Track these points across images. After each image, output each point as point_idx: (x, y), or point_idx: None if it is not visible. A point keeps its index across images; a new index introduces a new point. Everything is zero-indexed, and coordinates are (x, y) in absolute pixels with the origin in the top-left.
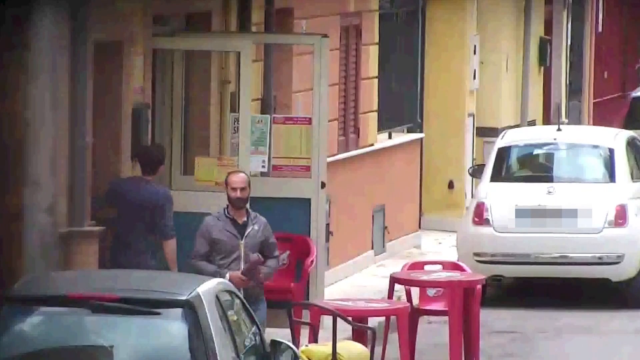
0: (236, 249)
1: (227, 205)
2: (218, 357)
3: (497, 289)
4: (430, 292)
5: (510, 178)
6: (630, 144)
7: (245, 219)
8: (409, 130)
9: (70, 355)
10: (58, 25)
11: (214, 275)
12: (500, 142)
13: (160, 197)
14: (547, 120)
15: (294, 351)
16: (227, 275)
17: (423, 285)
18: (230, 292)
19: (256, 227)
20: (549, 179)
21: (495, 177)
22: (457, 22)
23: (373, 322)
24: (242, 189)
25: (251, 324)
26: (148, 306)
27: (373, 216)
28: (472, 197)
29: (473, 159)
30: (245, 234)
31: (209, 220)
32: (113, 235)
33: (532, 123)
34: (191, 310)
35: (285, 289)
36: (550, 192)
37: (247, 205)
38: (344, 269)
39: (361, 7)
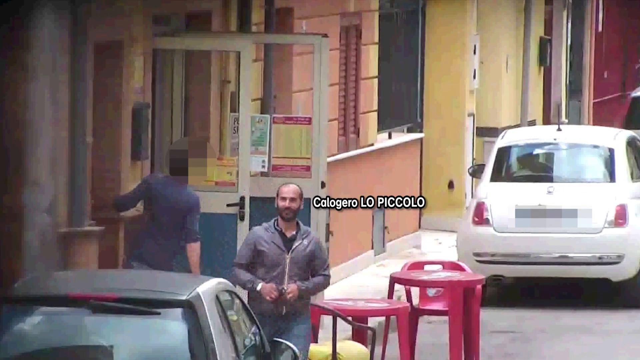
0: (281, 262)
1: (277, 217)
2: (218, 357)
3: (497, 289)
4: (430, 292)
5: (510, 178)
6: (630, 144)
7: (294, 232)
8: (409, 130)
9: (70, 355)
10: (58, 25)
11: (246, 284)
12: (500, 142)
13: (194, 202)
14: (547, 120)
15: (294, 351)
16: (260, 286)
17: (423, 285)
18: (230, 292)
19: (305, 242)
20: (549, 178)
21: (495, 177)
22: (457, 22)
23: (373, 322)
24: (292, 199)
25: (251, 324)
26: (148, 306)
27: (373, 216)
28: (472, 197)
29: (473, 159)
30: (292, 248)
31: (257, 230)
32: (142, 229)
33: (532, 123)
34: (191, 310)
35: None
36: (550, 192)
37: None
38: (344, 269)
39: (361, 7)
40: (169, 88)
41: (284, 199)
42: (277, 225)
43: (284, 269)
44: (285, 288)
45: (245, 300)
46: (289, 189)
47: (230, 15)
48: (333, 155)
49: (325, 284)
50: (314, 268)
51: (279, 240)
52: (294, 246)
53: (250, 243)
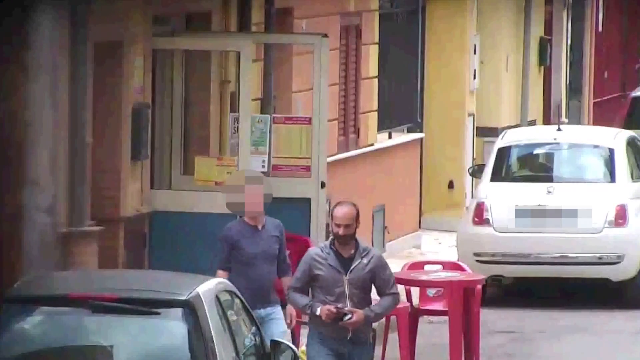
0: (339, 284)
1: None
2: (218, 357)
3: (497, 289)
4: (430, 292)
5: (510, 178)
6: (630, 144)
7: (352, 252)
8: (409, 130)
9: (70, 355)
10: (58, 25)
11: (304, 309)
12: (500, 142)
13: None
14: (547, 120)
15: (293, 351)
16: (319, 310)
17: (423, 285)
18: (230, 292)
19: (364, 261)
20: (549, 178)
21: (495, 177)
22: (457, 22)
23: None
24: (347, 227)
25: (251, 324)
26: (148, 306)
27: (373, 216)
28: (472, 197)
29: (473, 159)
30: (351, 269)
31: (312, 253)
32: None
33: (532, 123)
34: (191, 310)
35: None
36: (550, 192)
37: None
38: None
39: (361, 7)
40: (169, 88)
41: (338, 225)
42: (334, 245)
43: (343, 291)
44: (346, 308)
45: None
46: (343, 214)
47: (230, 15)
48: (333, 155)
49: (395, 303)
50: (379, 288)
51: (334, 262)
52: (352, 266)
53: (305, 266)
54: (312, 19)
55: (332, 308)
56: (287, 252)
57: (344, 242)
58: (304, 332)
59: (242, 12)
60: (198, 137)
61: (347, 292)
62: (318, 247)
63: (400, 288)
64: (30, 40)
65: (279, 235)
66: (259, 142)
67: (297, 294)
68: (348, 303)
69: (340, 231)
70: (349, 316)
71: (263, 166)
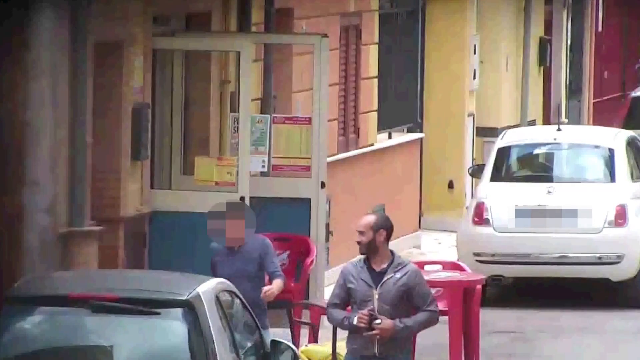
0: (369, 299)
1: None
2: (218, 357)
3: (497, 289)
4: None
5: (510, 178)
6: (630, 144)
7: (384, 265)
8: (409, 130)
9: (70, 355)
10: (58, 25)
11: (342, 322)
12: (500, 142)
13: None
14: (547, 120)
15: (293, 351)
16: (355, 319)
17: None
18: (230, 292)
19: (397, 275)
20: (549, 178)
21: (495, 177)
22: (457, 22)
23: None
24: (361, 233)
25: (251, 324)
26: (148, 306)
27: None
28: (472, 197)
29: (473, 159)
30: (381, 283)
31: (347, 267)
32: None
33: (532, 123)
34: (191, 310)
35: (285, 289)
36: (550, 192)
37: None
38: None
39: (361, 7)
40: (169, 88)
41: (358, 232)
42: (367, 258)
43: (374, 307)
44: (378, 317)
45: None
46: (360, 221)
47: (230, 15)
48: (333, 155)
49: (432, 320)
50: (415, 305)
51: (366, 276)
52: (383, 280)
53: (341, 280)
54: (312, 19)
55: (365, 311)
56: (281, 262)
57: (361, 252)
58: (304, 332)
59: (242, 12)
60: (198, 137)
61: (376, 307)
62: (354, 261)
63: None
64: (31, 41)
65: (258, 255)
66: (259, 142)
67: (334, 310)
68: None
69: (357, 238)
70: (379, 321)
71: (263, 166)
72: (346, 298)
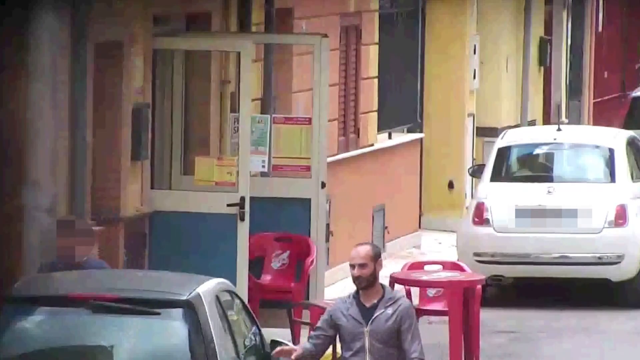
0: (359, 337)
1: None
2: (218, 357)
3: (497, 289)
4: (430, 292)
5: (510, 178)
6: (630, 144)
7: (375, 300)
8: (409, 130)
9: (70, 355)
10: (58, 25)
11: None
12: (500, 142)
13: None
14: (547, 120)
15: None
16: (294, 356)
17: (423, 285)
18: (230, 292)
19: (389, 312)
20: (549, 179)
21: (495, 177)
22: (457, 22)
23: None
24: (361, 266)
25: (251, 324)
26: (148, 306)
27: (373, 216)
28: (472, 197)
29: (473, 159)
30: (372, 319)
31: (338, 301)
32: None
33: (532, 123)
34: (191, 310)
35: (285, 289)
36: (550, 192)
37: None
38: (344, 269)
39: (361, 7)
40: (169, 88)
41: (352, 266)
42: (357, 293)
43: (363, 345)
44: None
45: (246, 301)
46: (357, 253)
47: (230, 15)
48: (333, 155)
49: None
50: (401, 344)
51: (355, 312)
52: (374, 316)
53: (326, 315)
54: (312, 19)
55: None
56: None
57: (360, 286)
58: (304, 332)
59: (242, 12)
60: (198, 137)
61: (367, 345)
62: (345, 295)
63: (400, 288)
64: (31, 41)
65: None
66: (259, 142)
67: (307, 342)
68: (368, 357)
69: (355, 272)
70: None
71: (263, 166)
72: (329, 331)
